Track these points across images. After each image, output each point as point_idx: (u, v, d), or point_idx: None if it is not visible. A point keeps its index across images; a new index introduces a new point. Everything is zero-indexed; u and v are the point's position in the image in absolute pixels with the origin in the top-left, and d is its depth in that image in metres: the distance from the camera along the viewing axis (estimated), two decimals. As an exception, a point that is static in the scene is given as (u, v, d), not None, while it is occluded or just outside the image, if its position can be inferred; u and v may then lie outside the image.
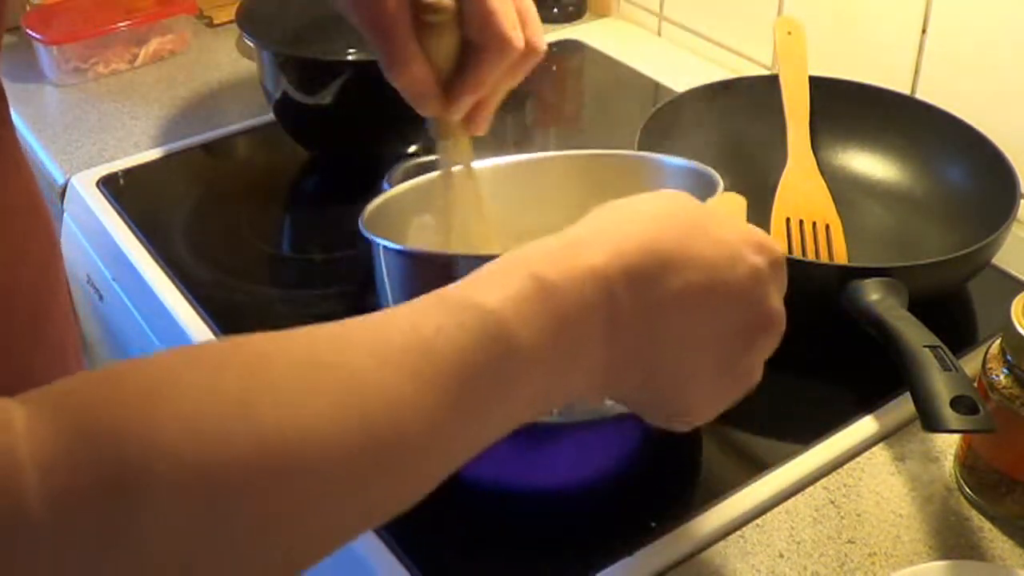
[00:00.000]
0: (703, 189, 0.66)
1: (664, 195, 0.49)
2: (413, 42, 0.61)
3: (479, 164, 0.70)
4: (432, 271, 0.61)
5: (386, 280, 0.64)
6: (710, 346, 0.47)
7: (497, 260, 0.44)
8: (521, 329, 0.40)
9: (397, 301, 0.64)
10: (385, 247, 0.62)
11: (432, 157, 0.73)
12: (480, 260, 0.46)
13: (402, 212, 0.70)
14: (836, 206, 0.87)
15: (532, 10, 0.63)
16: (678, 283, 0.45)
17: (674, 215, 0.47)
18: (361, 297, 0.68)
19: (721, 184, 0.64)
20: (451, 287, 0.42)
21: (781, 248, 0.50)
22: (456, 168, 0.67)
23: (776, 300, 0.50)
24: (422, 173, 0.73)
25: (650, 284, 0.44)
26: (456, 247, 0.67)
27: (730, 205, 0.59)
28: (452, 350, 0.39)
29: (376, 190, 0.71)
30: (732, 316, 0.47)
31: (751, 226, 0.50)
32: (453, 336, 0.39)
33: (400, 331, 0.39)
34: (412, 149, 0.96)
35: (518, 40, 0.61)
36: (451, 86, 0.63)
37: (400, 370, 0.38)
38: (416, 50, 0.61)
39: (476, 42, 0.62)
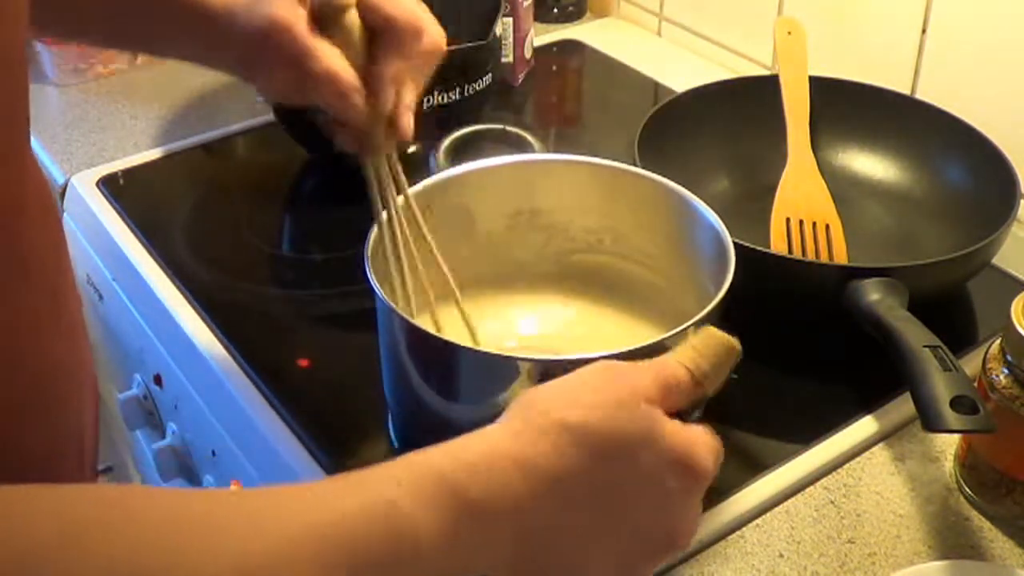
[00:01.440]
0: (717, 251, 0.66)
1: (603, 394, 0.48)
2: (319, 37, 0.60)
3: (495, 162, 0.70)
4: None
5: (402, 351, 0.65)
6: (608, 556, 0.49)
7: (419, 456, 0.45)
8: (426, 537, 0.43)
9: (395, 357, 0.65)
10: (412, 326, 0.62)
11: (484, 126, 0.72)
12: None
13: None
14: (836, 206, 0.87)
15: (422, 6, 0.63)
16: (583, 516, 0.47)
17: (609, 435, 0.47)
18: (361, 297, 0.67)
19: (730, 273, 0.63)
20: (373, 473, 0.44)
21: (710, 462, 0.49)
22: (394, 198, 0.65)
23: (686, 519, 0.50)
24: (472, 143, 0.72)
25: (559, 509, 0.46)
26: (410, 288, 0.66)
27: (709, 345, 0.53)
28: (360, 543, 0.41)
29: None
30: (635, 535, 0.49)
31: (688, 434, 0.49)
32: (363, 529, 0.41)
33: (318, 511, 0.41)
34: (412, 149, 0.95)
35: (420, 25, 0.61)
36: (368, 79, 0.61)
37: (311, 556, 0.40)
38: (324, 43, 0.60)
39: (381, 27, 0.61)
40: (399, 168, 0.65)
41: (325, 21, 0.61)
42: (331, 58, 0.60)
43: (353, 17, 0.61)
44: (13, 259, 0.50)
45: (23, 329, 0.51)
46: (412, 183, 0.67)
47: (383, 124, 0.62)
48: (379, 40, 0.61)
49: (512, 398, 0.60)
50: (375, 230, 0.65)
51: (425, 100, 0.91)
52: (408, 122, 0.63)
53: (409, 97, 0.62)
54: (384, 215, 0.65)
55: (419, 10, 0.62)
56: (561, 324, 0.71)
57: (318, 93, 0.61)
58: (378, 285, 0.63)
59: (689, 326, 0.61)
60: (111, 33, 0.72)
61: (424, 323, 0.64)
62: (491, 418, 0.62)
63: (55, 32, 0.78)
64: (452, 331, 0.66)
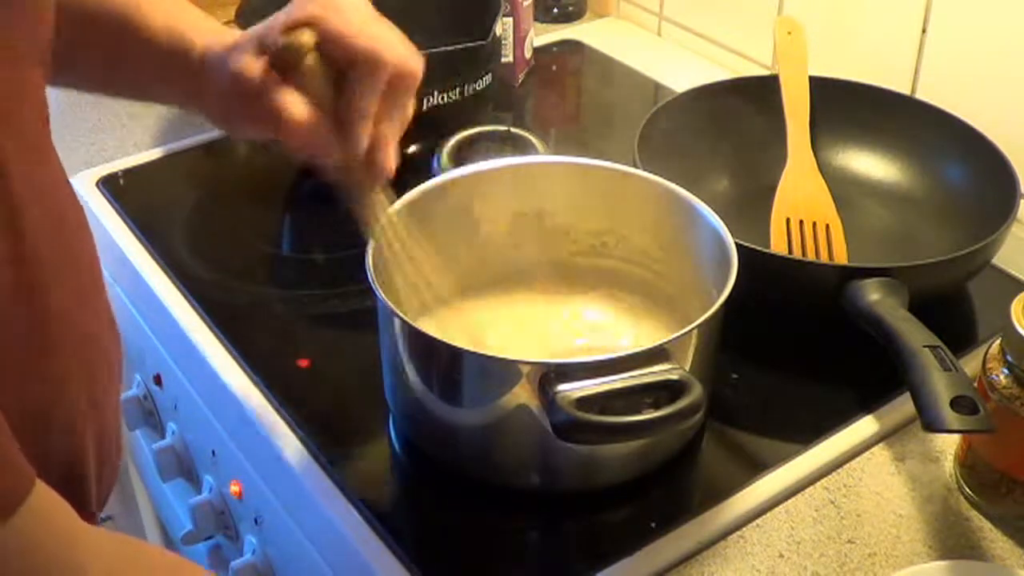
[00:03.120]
0: (719, 254, 0.67)
1: None
2: (282, 86, 0.57)
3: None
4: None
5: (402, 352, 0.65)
6: None
7: None
8: None
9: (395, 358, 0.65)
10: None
11: (487, 128, 0.72)
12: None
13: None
14: (836, 206, 0.87)
15: (396, 31, 0.59)
16: None
17: None
18: (361, 297, 0.68)
19: (732, 276, 0.64)
20: None
21: None
22: (382, 220, 0.64)
23: None
24: (475, 144, 0.72)
25: None
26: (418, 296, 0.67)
27: None
28: None
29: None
30: None
31: None
32: None
33: None
34: (412, 149, 0.95)
35: (388, 53, 0.57)
36: (339, 125, 0.58)
37: None
38: (288, 92, 0.57)
39: (346, 63, 0.57)
40: (383, 199, 0.63)
41: (286, 67, 0.58)
42: (294, 107, 0.57)
43: (314, 59, 0.57)
44: (61, 240, 0.51)
45: (72, 304, 0.52)
46: (411, 188, 0.67)
47: (360, 163, 0.59)
48: (348, 75, 0.57)
49: (513, 401, 0.60)
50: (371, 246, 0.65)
51: (425, 100, 0.90)
52: (385, 159, 0.59)
53: (388, 131, 0.59)
54: (375, 239, 0.64)
55: (383, 33, 0.58)
56: (563, 327, 0.71)
57: (288, 145, 0.58)
58: (378, 286, 0.63)
59: (692, 329, 0.61)
60: (106, 85, 0.73)
61: (426, 326, 0.64)
62: (492, 420, 0.63)
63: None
64: (454, 334, 0.66)
